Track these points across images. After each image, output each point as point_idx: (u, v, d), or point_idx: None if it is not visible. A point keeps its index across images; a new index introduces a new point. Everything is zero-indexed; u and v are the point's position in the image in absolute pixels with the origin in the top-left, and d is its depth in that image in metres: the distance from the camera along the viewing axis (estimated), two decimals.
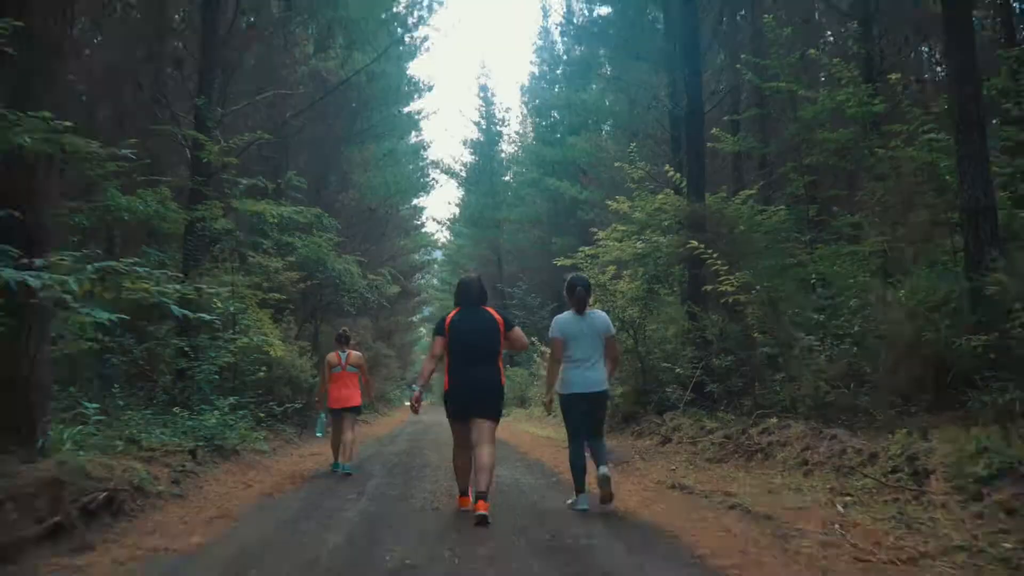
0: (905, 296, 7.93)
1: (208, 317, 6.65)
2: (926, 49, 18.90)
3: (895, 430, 6.85)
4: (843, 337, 9.96)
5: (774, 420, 8.50)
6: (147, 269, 5.16)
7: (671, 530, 4.90)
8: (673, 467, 8.32)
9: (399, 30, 22.47)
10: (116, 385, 9.79)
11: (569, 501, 6.05)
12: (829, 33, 20.74)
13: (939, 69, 18.79)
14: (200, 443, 8.38)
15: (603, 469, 5.81)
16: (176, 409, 9.42)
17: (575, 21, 30.61)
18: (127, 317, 5.55)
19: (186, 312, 5.79)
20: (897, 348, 7.58)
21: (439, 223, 46.37)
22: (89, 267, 4.83)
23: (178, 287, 5.70)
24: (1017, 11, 15.34)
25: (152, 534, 5.03)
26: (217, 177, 13.44)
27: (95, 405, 7.26)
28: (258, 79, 18.83)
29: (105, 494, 5.22)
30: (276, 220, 14.27)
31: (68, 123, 5.16)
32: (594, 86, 29.58)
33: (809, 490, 5.99)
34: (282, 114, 18.12)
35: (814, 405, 8.58)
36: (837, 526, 4.62)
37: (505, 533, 4.95)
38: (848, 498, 5.42)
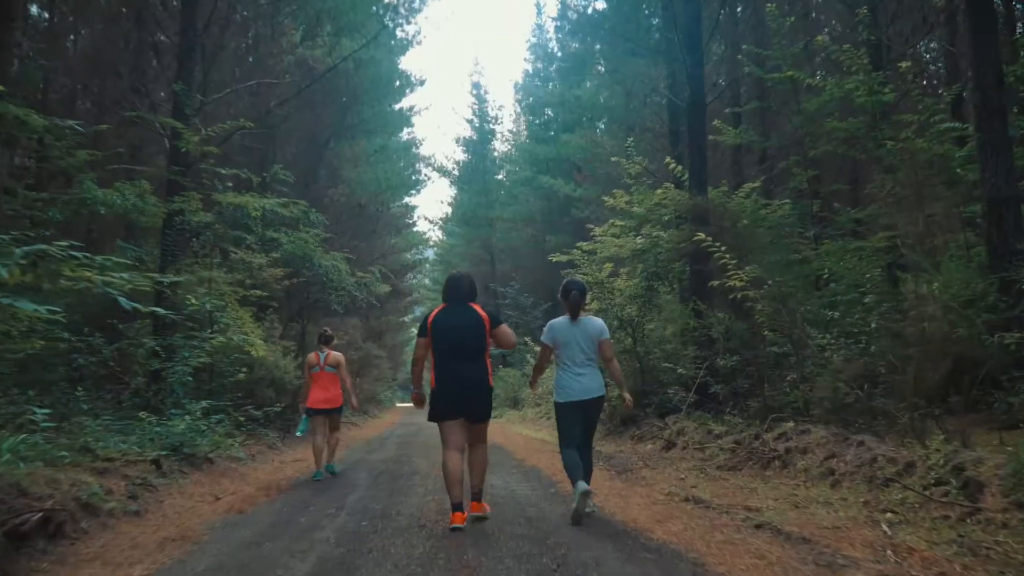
0: (939, 290, 7.26)
1: (163, 311, 5.93)
2: (924, 44, 18.37)
3: (926, 435, 6.27)
4: (858, 335, 9.36)
5: (791, 424, 7.87)
6: (87, 255, 4.48)
7: (694, 555, 4.22)
8: (682, 476, 7.65)
9: (389, 23, 21.88)
10: (80, 388, 9.09)
11: (572, 508, 5.52)
12: (826, 30, 20.27)
13: (939, 66, 18.33)
14: (164, 452, 7.67)
15: (582, 484, 5.45)
16: (143, 414, 8.71)
17: (570, 16, 30.15)
18: (58, 309, 4.86)
19: (136, 305, 5.12)
20: (927, 346, 6.92)
21: (431, 222, 46.01)
22: (17, 251, 4.15)
23: (125, 276, 5.03)
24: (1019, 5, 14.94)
25: (92, 562, 4.36)
26: (196, 168, 12.80)
27: (46, 410, 6.54)
28: (243, 68, 18.22)
29: (40, 514, 4.54)
30: (259, 213, 13.60)
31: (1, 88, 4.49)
32: (588, 83, 29.09)
33: (841, 504, 5.35)
34: (267, 104, 17.42)
35: (832, 408, 7.95)
36: (889, 552, 3.96)
37: (503, 559, 4.27)
38: (890, 515, 4.78)
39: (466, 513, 5.33)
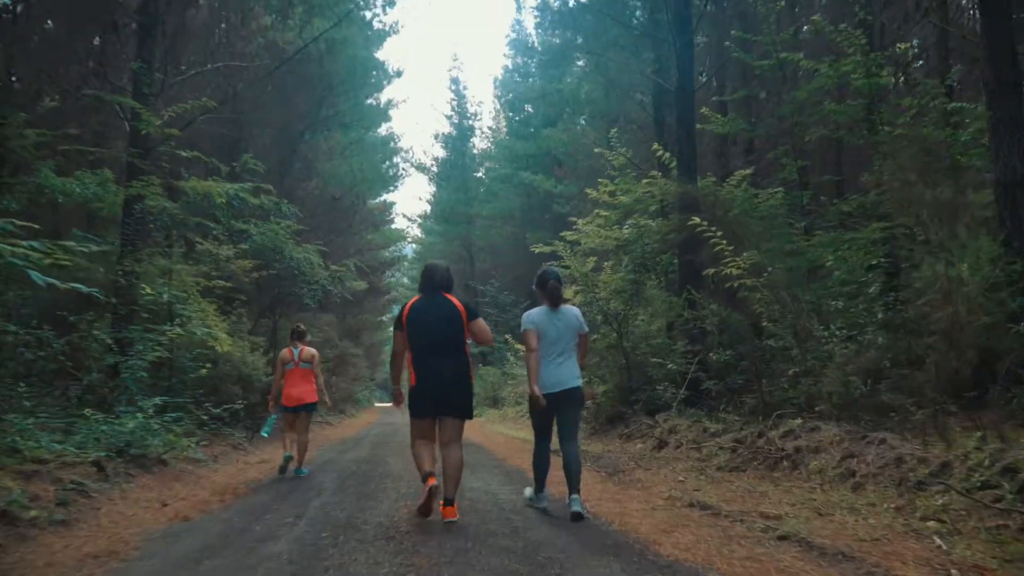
0: (969, 272, 6.61)
1: (87, 289, 5.17)
2: (912, 35, 17.92)
3: (948, 432, 5.67)
4: (863, 327, 8.78)
5: (798, 421, 7.23)
6: None
7: (714, 575, 3.55)
8: (680, 477, 6.98)
9: (367, 13, 21.17)
10: (23, 384, 8.28)
11: (527, 495, 5.82)
12: (816, 15, 19.74)
13: (925, 59, 17.91)
14: (107, 453, 6.89)
15: (575, 507, 5.25)
16: (87, 411, 7.93)
17: (551, 5, 29.51)
18: None
19: (53, 280, 4.36)
20: (956, 333, 6.29)
21: (410, 219, 45.34)
22: None
23: (37, 245, 4.28)
24: None
25: None
26: (157, 152, 12.03)
27: None
28: (211, 51, 17.43)
29: None
30: (223, 200, 12.81)
31: None
32: (569, 78, 28.53)
33: (869, 511, 4.70)
34: (239, 90, 16.63)
35: (842, 404, 7.32)
36: (954, 571, 3.31)
37: None
38: (935, 524, 4.13)
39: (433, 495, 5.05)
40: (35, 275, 4.14)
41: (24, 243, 4.14)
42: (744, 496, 5.71)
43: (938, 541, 3.80)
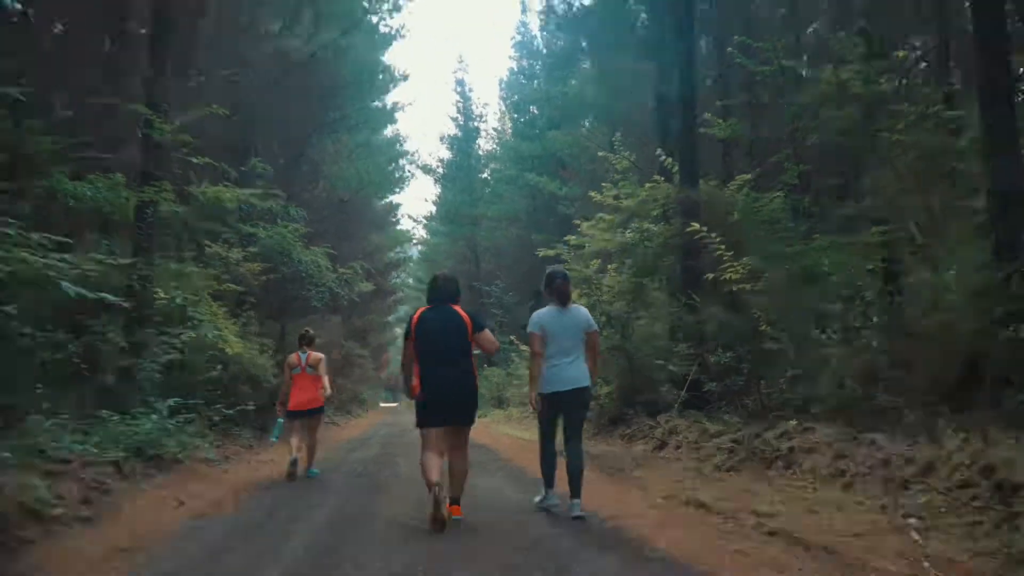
0: (956, 279, 6.78)
1: (113, 298, 5.40)
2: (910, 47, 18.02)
3: (938, 434, 5.86)
4: (859, 330, 8.96)
5: (792, 423, 7.44)
6: (21, 232, 3.98)
7: (706, 568, 3.76)
8: (678, 478, 7.20)
9: (373, 17, 21.41)
10: (40, 385, 8.51)
11: (537, 499, 5.85)
12: (814, 24, 19.89)
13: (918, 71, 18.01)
14: (125, 454, 7.12)
15: (575, 511, 5.37)
16: (104, 412, 8.17)
17: (556, 10, 29.72)
18: None
19: (82, 291, 4.61)
20: (946, 336, 6.48)
21: (415, 220, 45.46)
22: None
23: (68, 258, 4.52)
24: None
25: None
26: (169, 159, 12.26)
27: None
28: (220, 58, 17.65)
29: None
30: (234, 205, 13.06)
31: None
32: (574, 81, 28.66)
33: (857, 508, 4.92)
34: (246, 94, 16.86)
35: (837, 406, 7.52)
36: (926, 564, 3.54)
37: None
38: (915, 521, 4.35)
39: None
40: (66, 286, 4.39)
41: (55, 256, 4.39)
42: (739, 495, 5.92)
43: (915, 536, 4.03)
